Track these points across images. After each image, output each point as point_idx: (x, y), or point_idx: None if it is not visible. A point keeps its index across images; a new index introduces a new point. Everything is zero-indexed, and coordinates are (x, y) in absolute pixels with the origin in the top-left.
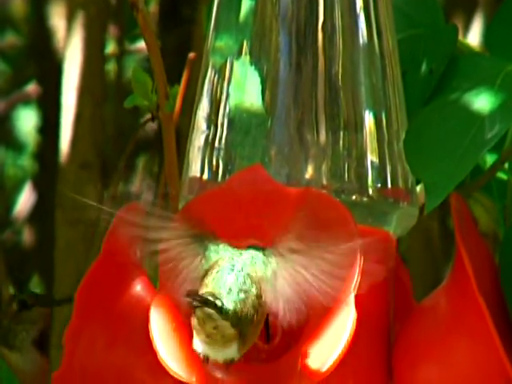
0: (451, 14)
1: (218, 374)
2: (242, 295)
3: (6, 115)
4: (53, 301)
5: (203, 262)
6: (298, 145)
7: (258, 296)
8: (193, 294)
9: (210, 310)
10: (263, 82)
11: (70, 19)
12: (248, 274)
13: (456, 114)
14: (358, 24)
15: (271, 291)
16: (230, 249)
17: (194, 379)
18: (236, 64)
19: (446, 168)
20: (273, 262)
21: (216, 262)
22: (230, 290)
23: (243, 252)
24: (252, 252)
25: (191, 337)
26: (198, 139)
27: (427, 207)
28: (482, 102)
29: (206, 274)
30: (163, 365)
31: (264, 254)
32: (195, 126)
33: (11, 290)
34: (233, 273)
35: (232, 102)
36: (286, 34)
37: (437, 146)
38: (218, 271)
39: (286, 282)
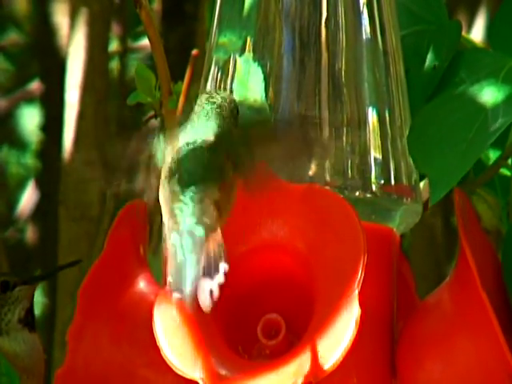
0: (454, 9)
1: (222, 371)
2: (207, 171)
3: (10, 113)
4: (34, 277)
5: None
6: (302, 141)
7: (223, 162)
8: None
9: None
10: (266, 79)
11: (73, 17)
12: (210, 147)
13: (459, 109)
14: (362, 20)
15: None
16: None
17: (197, 376)
18: (239, 60)
19: (449, 162)
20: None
21: (174, 143)
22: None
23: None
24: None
25: (196, 334)
26: None
27: (431, 200)
28: (485, 96)
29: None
30: (167, 361)
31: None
32: None
33: None
34: (193, 150)
35: (235, 98)
36: (289, 31)
37: (440, 140)
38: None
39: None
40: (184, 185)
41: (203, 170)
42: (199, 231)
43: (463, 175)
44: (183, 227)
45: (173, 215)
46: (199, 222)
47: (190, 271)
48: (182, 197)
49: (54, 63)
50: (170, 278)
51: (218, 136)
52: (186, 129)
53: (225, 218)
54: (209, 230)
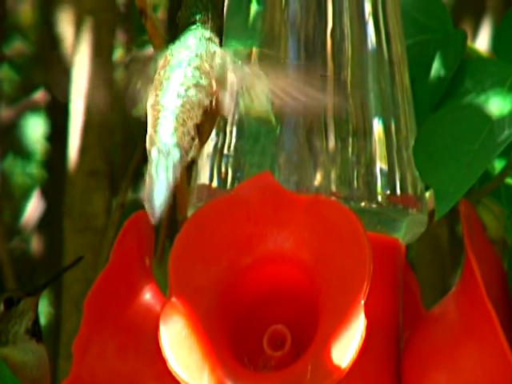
0: (460, 19)
1: (228, 382)
2: (190, 91)
3: (15, 123)
4: (38, 287)
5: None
6: (307, 152)
7: (209, 84)
8: None
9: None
10: None
11: (78, 26)
12: (196, 67)
13: (465, 120)
14: (367, 30)
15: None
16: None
17: None
18: None
19: (455, 174)
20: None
21: (164, 60)
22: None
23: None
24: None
25: (202, 345)
26: (207, 146)
27: (437, 213)
28: (491, 107)
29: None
30: (173, 373)
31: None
32: None
33: None
34: (180, 69)
35: (241, 109)
36: (294, 41)
37: (446, 151)
38: (165, 69)
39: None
40: (169, 102)
41: (189, 90)
42: (176, 153)
43: (469, 188)
44: (162, 145)
45: (155, 129)
46: (178, 144)
47: (161, 190)
48: (166, 113)
49: (58, 72)
50: (144, 194)
51: (206, 55)
52: (175, 45)
53: (203, 144)
54: (185, 154)
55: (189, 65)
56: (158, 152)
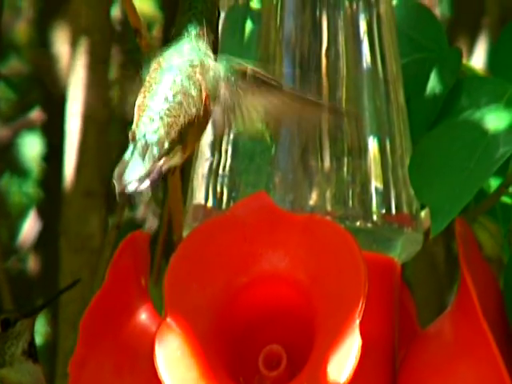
0: (455, 36)
1: None
2: (178, 97)
3: (11, 142)
4: (35, 309)
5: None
6: (302, 171)
7: (198, 95)
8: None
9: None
10: None
11: (73, 45)
12: (187, 76)
13: (461, 137)
14: (362, 49)
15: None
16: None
17: None
18: None
19: (450, 191)
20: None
21: (156, 64)
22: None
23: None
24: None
25: (197, 365)
26: (202, 166)
27: (433, 231)
28: (487, 124)
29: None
30: None
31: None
32: (199, 153)
33: None
34: (171, 74)
35: (235, 127)
36: (289, 60)
37: (442, 169)
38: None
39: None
40: (156, 104)
41: (177, 96)
42: (155, 150)
43: (464, 206)
44: (143, 140)
45: (137, 126)
46: (158, 142)
47: (134, 169)
48: (151, 113)
49: (54, 91)
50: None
51: (200, 66)
52: (169, 51)
53: (186, 154)
54: (164, 154)
55: (180, 72)
56: (137, 146)
